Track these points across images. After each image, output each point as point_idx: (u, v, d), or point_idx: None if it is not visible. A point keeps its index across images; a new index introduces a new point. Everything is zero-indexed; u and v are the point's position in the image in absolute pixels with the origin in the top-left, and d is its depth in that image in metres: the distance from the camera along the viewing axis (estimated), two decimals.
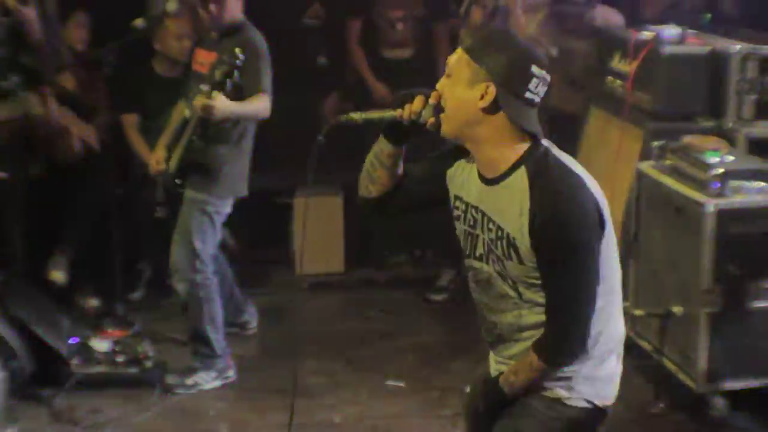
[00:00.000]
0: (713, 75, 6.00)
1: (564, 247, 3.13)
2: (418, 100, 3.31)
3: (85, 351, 5.95)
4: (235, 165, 6.01)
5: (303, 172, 7.26)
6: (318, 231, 7.28)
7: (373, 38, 7.79)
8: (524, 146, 3.20)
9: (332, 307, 7.26)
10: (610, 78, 6.43)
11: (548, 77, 3.20)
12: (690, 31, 6.19)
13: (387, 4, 7.75)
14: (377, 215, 3.65)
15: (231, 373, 6.08)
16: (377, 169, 3.49)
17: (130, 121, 7.08)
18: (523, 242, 3.17)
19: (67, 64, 6.78)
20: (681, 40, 6.09)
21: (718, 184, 5.31)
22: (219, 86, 5.57)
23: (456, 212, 3.43)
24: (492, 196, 3.27)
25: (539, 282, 3.23)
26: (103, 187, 6.79)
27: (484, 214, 3.31)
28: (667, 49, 6.00)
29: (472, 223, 3.36)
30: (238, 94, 5.71)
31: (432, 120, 3.29)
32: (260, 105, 5.80)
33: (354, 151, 7.44)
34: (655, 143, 5.87)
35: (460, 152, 3.42)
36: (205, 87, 5.63)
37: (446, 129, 3.27)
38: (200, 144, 5.85)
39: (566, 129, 6.83)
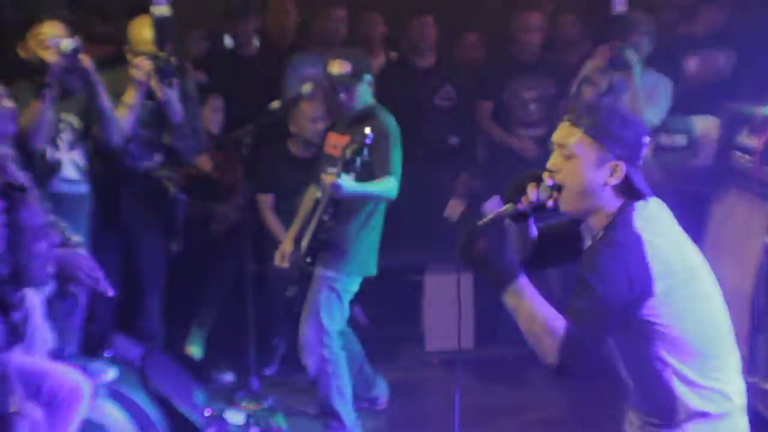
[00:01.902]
0: None
1: (583, 275, 3.20)
2: (531, 188, 3.37)
3: (219, 423, 6.06)
4: (364, 243, 6.13)
5: (434, 249, 7.47)
6: (448, 308, 7.35)
7: (505, 118, 7.90)
8: (618, 206, 3.31)
9: (462, 384, 7.24)
10: (737, 153, 6.40)
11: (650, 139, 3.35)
12: None
13: (521, 86, 7.86)
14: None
15: None
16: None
17: (266, 200, 7.27)
18: None
19: (204, 147, 7.01)
20: None
21: None
22: (348, 164, 5.72)
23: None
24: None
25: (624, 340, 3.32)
26: (239, 265, 6.98)
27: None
28: None
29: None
30: (367, 172, 5.86)
31: (551, 201, 3.36)
32: (387, 186, 5.93)
33: None
34: None
35: None
36: (333, 168, 5.80)
37: (567, 207, 3.36)
38: (331, 223, 5.98)
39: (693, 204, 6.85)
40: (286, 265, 6.28)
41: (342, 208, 5.97)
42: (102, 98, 5.91)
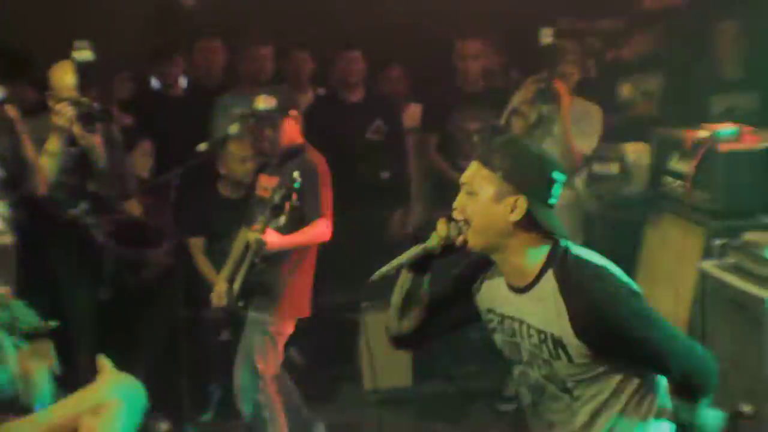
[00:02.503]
0: None
1: (629, 323, 3.16)
2: (442, 225, 3.35)
3: None
4: (297, 285, 6.07)
5: (369, 286, 7.40)
6: (385, 345, 7.28)
7: (451, 150, 7.87)
8: (546, 249, 3.26)
9: (401, 422, 7.21)
10: (669, 178, 6.41)
11: (565, 178, 3.28)
12: (746, 127, 6.18)
13: (464, 118, 7.83)
14: (411, 348, 3.69)
15: None
16: (407, 304, 3.55)
17: (197, 244, 7.18)
18: (571, 341, 3.19)
19: (132, 191, 6.91)
20: (738, 138, 6.07)
21: None
22: (278, 209, 5.65)
23: (491, 325, 3.47)
24: (526, 303, 3.31)
25: (588, 376, 3.25)
26: (170, 310, 6.88)
27: (521, 322, 3.33)
28: (725, 148, 5.98)
29: (510, 333, 3.39)
30: (298, 215, 5.80)
31: (462, 238, 3.31)
32: (318, 231, 5.88)
33: None
34: (717, 241, 5.83)
35: (478, 268, 3.48)
36: (262, 216, 5.73)
37: (474, 243, 3.31)
38: (262, 266, 5.91)
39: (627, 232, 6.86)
40: (224, 302, 6.18)
41: (272, 253, 5.89)
42: (26, 148, 5.80)
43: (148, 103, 8.05)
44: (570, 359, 3.23)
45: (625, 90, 7.90)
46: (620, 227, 7.12)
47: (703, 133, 6.14)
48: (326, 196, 5.96)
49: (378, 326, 7.32)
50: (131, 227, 7.14)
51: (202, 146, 6.43)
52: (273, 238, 5.70)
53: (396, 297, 3.59)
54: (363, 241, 7.85)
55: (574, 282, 3.19)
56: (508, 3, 9.00)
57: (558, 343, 3.23)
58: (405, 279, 3.52)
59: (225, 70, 8.32)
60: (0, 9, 8.29)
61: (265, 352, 5.97)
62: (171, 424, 6.87)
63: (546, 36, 6.70)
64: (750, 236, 5.66)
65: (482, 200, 3.25)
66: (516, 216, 3.22)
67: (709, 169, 6.01)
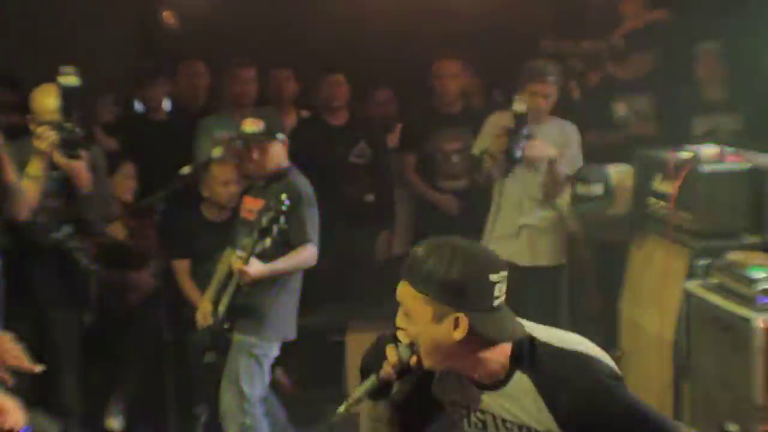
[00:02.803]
0: (754, 191, 5.98)
1: (614, 413, 3.04)
2: (391, 352, 3.13)
3: None
4: (283, 307, 6.08)
5: (354, 308, 7.41)
6: None
7: (430, 171, 7.88)
8: (508, 347, 3.10)
9: None
10: (652, 199, 6.43)
11: (505, 273, 3.07)
12: (729, 148, 6.22)
13: (443, 138, 7.85)
14: None
15: None
16: (381, 429, 3.36)
17: (182, 266, 7.17)
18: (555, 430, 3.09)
19: (116, 215, 6.90)
20: (720, 158, 6.10)
21: (765, 299, 5.27)
22: (265, 232, 5.66)
23: (455, 416, 3.32)
24: (499, 399, 3.16)
25: None
26: (155, 333, 6.87)
27: (494, 416, 3.20)
28: (707, 168, 6.01)
29: (480, 425, 3.25)
30: (284, 238, 5.80)
31: (414, 359, 3.10)
32: (303, 256, 5.91)
33: None
34: (701, 262, 5.85)
35: None
36: (248, 239, 5.73)
37: (428, 363, 3.10)
38: (247, 289, 5.91)
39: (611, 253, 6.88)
40: (209, 322, 6.17)
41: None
42: (8, 172, 5.77)
43: (132, 126, 8.07)
44: None
45: (620, 109, 7.93)
46: (605, 248, 7.15)
47: (685, 154, 6.17)
48: (312, 220, 5.98)
49: (362, 347, 7.42)
50: (115, 250, 7.13)
51: (186, 169, 6.44)
52: (257, 268, 5.72)
53: (368, 426, 3.39)
54: (348, 264, 7.89)
55: (552, 378, 3.06)
56: (492, 24, 9.05)
57: None
58: (376, 409, 3.33)
59: (208, 92, 8.34)
60: None
61: (251, 374, 5.97)
62: None
63: (519, 104, 6.72)
64: (734, 256, 5.68)
65: (422, 323, 3.03)
66: (460, 334, 3.00)
67: (692, 190, 6.02)
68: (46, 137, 5.91)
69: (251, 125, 6.01)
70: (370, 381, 3.17)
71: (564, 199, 7.12)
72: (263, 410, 6.06)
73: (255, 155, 6.02)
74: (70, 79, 5.85)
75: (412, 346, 3.09)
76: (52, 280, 6.29)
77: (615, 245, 6.91)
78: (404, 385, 3.29)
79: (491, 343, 3.07)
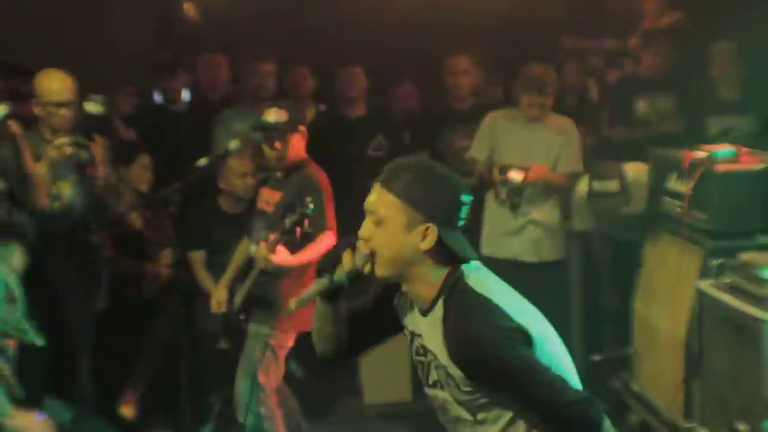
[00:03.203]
0: None
1: (504, 366, 3.09)
2: (347, 257, 3.28)
3: None
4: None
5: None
6: (384, 359, 7.33)
7: None
8: (443, 274, 3.22)
9: None
10: (667, 198, 6.45)
11: (471, 197, 3.24)
12: (743, 148, 6.23)
13: (454, 134, 7.89)
14: (343, 362, 3.65)
15: None
16: (327, 328, 3.49)
17: (197, 257, 7.22)
18: (453, 370, 3.17)
19: (110, 220, 6.95)
20: (735, 159, 6.12)
21: None
22: (288, 233, 5.70)
23: (407, 340, 3.44)
24: (426, 325, 3.27)
25: (485, 401, 3.21)
26: (171, 323, 6.93)
27: (423, 344, 3.30)
28: (722, 168, 6.03)
29: (420, 351, 3.35)
30: (307, 239, 5.87)
31: (368, 267, 3.23)
32: (325, 245, 5.92)
33: None
34: (714, 261, 5.87)
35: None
36: (271, 235, 5.77)
37: (381, 272, 3.23)
38: (263, 279, 5.95)
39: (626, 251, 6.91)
40: (224, 308, 6.22)
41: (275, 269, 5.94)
42: (28, 163, 5.85)
43: (151, 117, 8.12)
44: (458, 386, 3.20)
45: (641, 107, 7.94)
46: (620, 246, 7.17)
47: (700, 154, 6.19)
48: (330, 210, 6.01)
49: None
50: (131, 240, 7.20)
51: (202, 161, 6.46)
52: (282, 257, 5.74)
53: (315, 324, 3.53)
54: None
55: (455, 313, 3.16)
56: (512, 19, 9.07)
57: (446, 371, 3.20)
58: (320, 308, 3.46)
59: (228, 85, 8.38)
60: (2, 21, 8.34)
61: (266, 364, 6.01)
62: None
63: (516, 174, 6.87)
64: (747, 256, 5.69)
65: (391, 230, 3.18)
66: (427, 245, 3.16)
67: (706, 190, 6.04)
68: (63, 150, 6.00)
69: (275, 115, 6.04)
70: (322, 282, 3.34)
71: (578, 194, 7.15)
72: (277, 400, 6.10)
73: (277, 146, 6.04)
74: (96, 106, 5.96)
75: (370, 256, 3.21)
76: (67, 268, 6.35)
77: (630, 243, 6.94)
78: (367, 297, 3.50)
79: (444, 262, 3.21)
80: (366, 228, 3.26)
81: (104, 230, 6.60)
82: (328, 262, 3.33)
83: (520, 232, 7.15)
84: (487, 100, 8.17)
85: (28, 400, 5.81)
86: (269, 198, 6.13)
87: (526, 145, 7.11)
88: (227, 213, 7.24)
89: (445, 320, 3.17)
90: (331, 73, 8.23)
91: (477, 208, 7.34)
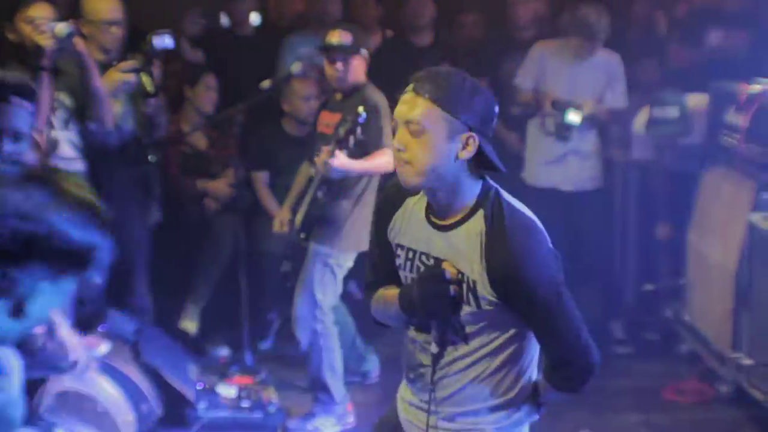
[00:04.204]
0: None
1: (543, 290, 3.11)
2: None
3: (211, 396, 6.17)
4: (358, 219, 6.17)
5: None
6: None
7: (503, 97, 7.93)
8: (478, 187, 3.19)
9: None
10: (724, 131, 6.47)
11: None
12: None
13: (514, 65, 7.91)
14: None
15: (350, 420, 6.24)
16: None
17: (260, 178, 7.36)
18: (485, 287, 3.13)
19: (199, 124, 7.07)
20: None
21: None
22: (342, 143, 5.79)
23: (398, 261, 3.36)
24: (448, 241, 3.21)
25: (479, 326, 3.20)
26: (233, 240, 7.09)
27: (437, 260, 3.22)
28: None
29: (421, 269, 3.27)
30: (361, 150, 5.92)
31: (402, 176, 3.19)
32: (382, 160, 5.97)
33: None
34: (766, 195, 5.91)
35: (391, 204, 3.38)
36: (326, 146, 5.87)
37: (414, 181, 3.16)
38: (324, 199, 6.06)
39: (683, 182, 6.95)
40: (285, 229, 6.35)
41: (335, 184, 6.04)
42: (96, 81, 5.93)
43: (218, 39, 8.21)
44: (478, 305, 3.16)
45: (712, 39, 7.88)
46: (675, 176, 7.21)
47: (757, 87, 6.20)
48: (388, 130, 6.08)
49: None
50: (195, 159, 7.35)
51: (266, 83, 6.56)
52: (342, 160, 5.81)
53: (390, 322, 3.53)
54: None
55: (501, 227, 3.12)
56: None
57: (470, 288, 3.15)
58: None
59: (297, 9, 8.46)
60: None
61: (324, 283, 6.12)
62: (230, 350, 7.07)
63: (574, 116, 6.92)
64: None
65: (432, 139, 3.09)
66: (468, 154, 3.10)
67: (762, 124, 6.07)
68: (126, 77, 6.12)
69: (338, 37, 6.10)
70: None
71: (638, 124, 7.19)
72: (334, 319, 6.22)
73: (339, 67, 6.12)
74: (165, 40, 6.03)
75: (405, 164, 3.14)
76: (121, 183, 6.42)
77: (687, 174, 6.97)
78: (375, 251, 3.46)
79: (479, 174, 3.20)
80: (402, 137, 3.15)
81: (161, 148, 6.69)
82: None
83: (562, 161, 7.23)
84: (550, 30, 8.17)
85: (91, 314, 6.03)
86: (329, 121, 6.21)
87: (573, 79, 7.18)
88: (291, 135, 7.36)
89: (489, 234, 3.12)
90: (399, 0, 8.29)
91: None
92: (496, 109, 3.21)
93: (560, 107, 7.05)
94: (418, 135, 3.10)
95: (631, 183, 7.66)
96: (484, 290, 3.13)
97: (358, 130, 5.76)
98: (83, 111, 6.07)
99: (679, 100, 6.97)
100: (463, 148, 3.11)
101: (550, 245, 3.18)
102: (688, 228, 6.88)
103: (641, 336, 7.50)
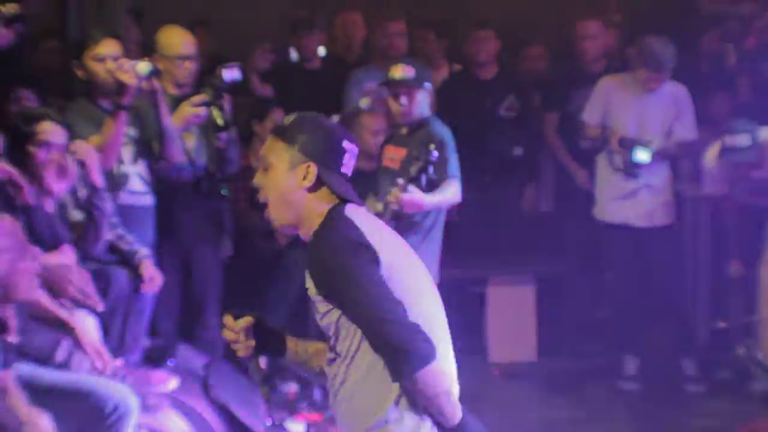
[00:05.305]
0: None
1: (335, 276, 3.23)
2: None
3: None
4: (426, 255, 6.14)
5: (496, 260, 7.51)
6: (510, 318, 7.42)
7: (571, 130, 7.91)
8: (326, 210, 3.34)
9: (524, 395, 7.31)
10: None
11: (356, 150, 3.40)
12: None
13: (584, 98, 7.87)
14: None
15: None
16: None
17: None
18: (313, 291, 3.34)
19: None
20: None
21: None
22: (414, 181, 5.78)
23: None
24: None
25: (338, 331, 3.30)
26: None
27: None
28: None
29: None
30: (431, 188, 5.92)
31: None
32: (451, 192, 5.98)
33: (548, 243, 7.65)
34: None
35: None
36: (400, 180, 5.85)
37: (275, 219, 3.41)
38: None
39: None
40: None
41: (403, 221, 6.01)
42: (167, 117, 6.00)
43: (286, 74, 8.26)
44: (317, 309, 3.36)
45: None
46: (746, 211, 7.12)
47: None
48: (454, 162, 6.06)
49: (503, 300, 7.54)
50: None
51: (335, 118, 6.59)
52: (416, 196, 5.80)
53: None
54: (493, 217, 7.97)
55: (316, 232, 3.31)
56: None
57: (310, 297, 3.37)
58: None
59: (364, 44, 8.49)
60: None
61: None
62: (299, 386, 7.03)
63: (642, 154, 6.92)
64: None
65: (278, 172, 3.33)
66: (308, 182, 3.32)
67: None
68: (196, 110, 6.16)
69: (401, 71, 6.12)
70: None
71: (709, 158, 7.11)
72: None
73: (402, 101, 6.13)
74: (234, 72, 6.07)
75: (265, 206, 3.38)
76: (194, 218, 6.50)
77: (759, 209, 6.89)
78: None
79: (328, 201, 3.34)
80: (258, 176, 3.40)
81: (232, 182, 6.72)
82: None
83: (633, 197, 7.16)
84: (619, 63, 8.12)
85: (162, 347, 6.05)
86: (394, 155, 6.21)
87: (641, 113, 7.14)
88: (359, 169, 7.29)
89: (309, 246, 3.34)
90: (464, 34, 8.28)
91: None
92: (345, 143, 3.37)
93: (628, 145, 7.00)
94: (267, 170, 3.36)
95: (702, 218, 7.58)
96: (314, 294, 3.34)
97: (431, 169, 5.75)
98: (151, 146, 6.12)
99: (751, 128, 6.89)
100: (304, 177, 3.31)
101: (360, 236, 3.25)
102: (759, 264, 6.78)
103: (713, 374, 7.40)
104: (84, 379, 4.78)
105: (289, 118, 3.44)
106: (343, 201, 3.35)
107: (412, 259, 3.46)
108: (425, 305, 3.39)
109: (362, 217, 3.35)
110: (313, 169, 3.31)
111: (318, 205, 3.34)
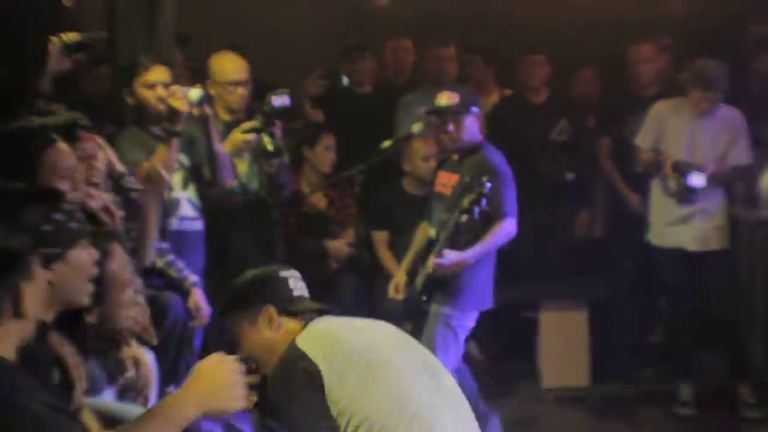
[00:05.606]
0: None
1: (275, 407, 3.32)
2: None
3: None
4: (480, 278, 6.15)
5: (548, 285, 7.48)
6: (563, 345, 7.36)
7: (624, 155, 7.85)
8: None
9: (577, 421, 7.25)
10: None
11: (297, 273, 3.60)
12: None
13: (639, 123, 7.83)
14: None
15: None
16: None
17: (380, 237, 7.35)
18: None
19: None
20: None
21: None
22: (466, 213, 5.79)
23: None
24: None
25: None
26: (353, 300, 7.06)
27: None
28: None
29: None
30: (485, 219, 5.93)
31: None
32: (503, 232, 5.99)
33: (599, 266, 7.59)
34: None
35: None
36: (445, 216, 5.88)
37: (267, 370, 3.43)
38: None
39: None
40: (400, 296, 6.33)
41: (458, 247, 6.01)
42: (217, 144, 6.01)
43: (337, 99, 8.27)
44: None
45: None
46: None
47: None
48: (509, 194, 6.05)
49: (555, 325, 7.49)
50: (315, 219, 7.35)
51: (387, 143, 6.60)
52: (451, 259, 5.86)
53: None
54: (546, 242, 7.94)
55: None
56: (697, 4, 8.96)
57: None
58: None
59: (414, 69, 8.49)
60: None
61: (446, 344, 6.06)
62: None
63: (697, 178, 6.88)
64: None
65: (248, 339, 3.48)
66: (276, 324, 3.47)
67: None
68: (246, 137, 6.18)
69: (447, 98, 6.14)
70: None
71: (765, 181, 7.05)
72: (456, 380, 6.15)
73: (450, 128, 6.13)
74: (282, 99, 6.08)
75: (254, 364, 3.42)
76: (245, 244, 6.49)
77: None
78: None
79: (293, 332, 3.47)
80: (242, 353, 3.46)
81: (283, 209, 6.71)
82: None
83: (688, 221, 7.09)
84: (672, 87, 8.07)
85: None
86: (446, 181, 6.21)
87: (694, 138, 7.07)
88: (411, 195, 7.34)
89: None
90: (515, 59, 8.27)
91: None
92: (283, 273, 3.67)
93: (682, 169, 6.95)
94: (240, 344, 3.54)
95: (757, 242, 7.48)
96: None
97: (484, 201, 5.75)
98: (201, 171, 6.13)
99: None
100: (270, 324, 3.49)
101: (300, 361, 3.30)
102: None
103: None
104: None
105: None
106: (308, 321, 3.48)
107: (395, 352, 3.53)
108: (416, 400, 3.39)
109: (324, 325, 3.50)
110: (272, 309, 3.49)
111: (288, 338, 3.42)
